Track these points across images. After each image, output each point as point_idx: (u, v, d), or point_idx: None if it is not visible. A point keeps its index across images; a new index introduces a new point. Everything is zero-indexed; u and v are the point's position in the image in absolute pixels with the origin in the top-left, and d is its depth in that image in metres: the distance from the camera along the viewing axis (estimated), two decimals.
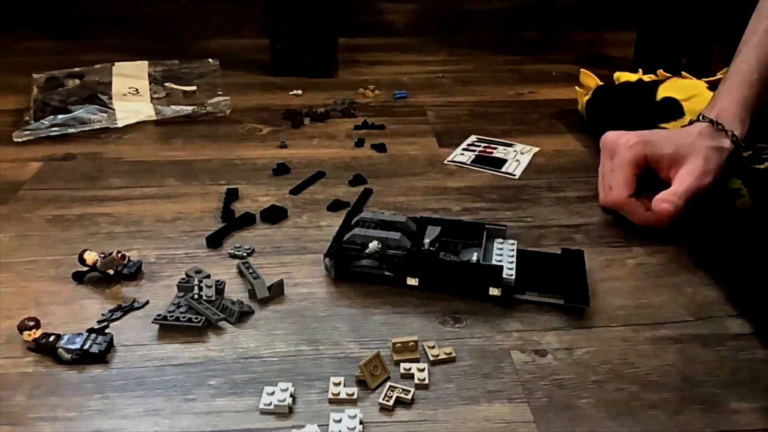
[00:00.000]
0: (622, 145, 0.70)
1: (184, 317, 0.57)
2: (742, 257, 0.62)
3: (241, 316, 0.59)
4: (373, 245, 0.62)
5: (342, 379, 0.52)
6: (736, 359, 0.55)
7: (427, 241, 0.63)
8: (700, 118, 0.71)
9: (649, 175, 0.70)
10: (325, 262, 0.64)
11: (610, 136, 0.72)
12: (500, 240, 0.66)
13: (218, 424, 0.49)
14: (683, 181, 0.67)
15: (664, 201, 0.66)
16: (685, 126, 0.73)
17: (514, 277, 0.60)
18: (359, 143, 0.92)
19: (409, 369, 0.53)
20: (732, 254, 0.64)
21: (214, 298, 0.60)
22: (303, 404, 0.51)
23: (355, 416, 0.48)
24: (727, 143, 0.68)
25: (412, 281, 0.62)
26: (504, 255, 0.63)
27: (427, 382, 0.52)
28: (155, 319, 0.57)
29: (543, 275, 0.62)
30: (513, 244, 0.65)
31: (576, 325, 0.59)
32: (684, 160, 0.68)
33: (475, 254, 0.64)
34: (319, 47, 1.16)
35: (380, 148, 0.90)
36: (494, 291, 0.60)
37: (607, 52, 1.33)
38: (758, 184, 0.68)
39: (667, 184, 0.68)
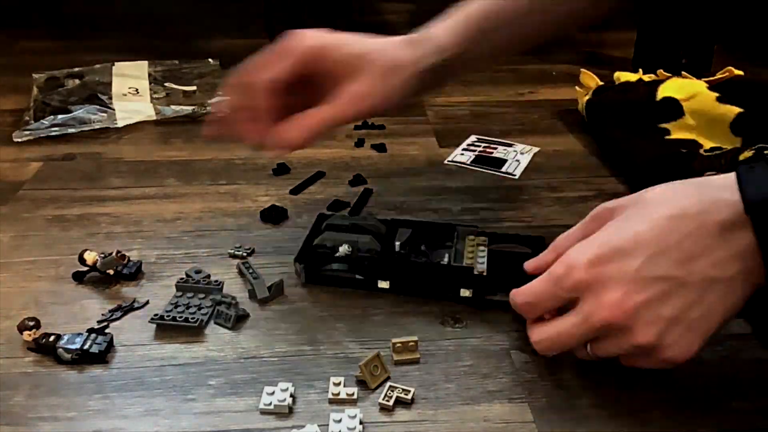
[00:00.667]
0: (299, 34, 0.57)
1: (181, 317, 0.57)
2: None
3: (238, 320, 0.59)
4: (344, 248, 0.62)
5: (342, 379, 0.52)
6: (736, 359, 0.55)
7: (397, 243, 0.63)
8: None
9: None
10: (295, 266, 0.63)
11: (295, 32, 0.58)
12: (472, 238, 0.65)
13: (218, 424, 0.49)
14: (334, 105, 0.56)
15: (294, 129, 0.54)
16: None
17: (485, 273, 0.60)
18: (359, 143, 0.92)
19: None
20: None
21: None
22: (303, 404, 0.51)
23: (355, 416, 0.48)
24: (422, 53, 0.59)
25: (383, 284, 0.61)
26: (475, 256, 0.62)
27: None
28: (152, 318, 0.57)
29: (515, 275, 0.59)
30: (485, 240, 0.64)
31: None
32: (355, 74, 0.56)
33: (447, 256, 0.63)
34: None
35: (380, 148, 0.90)
36: (465, 292, 0.60)
37: (607, 52, 1.33)
38: None
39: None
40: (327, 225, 0.66)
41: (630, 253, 0.45)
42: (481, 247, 0.63)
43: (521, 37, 0.67)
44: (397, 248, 0.63)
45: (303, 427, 0.48)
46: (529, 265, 0.56)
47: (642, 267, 0.45)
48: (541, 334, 0.51)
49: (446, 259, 0.63)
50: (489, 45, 0.65)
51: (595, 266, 0.46)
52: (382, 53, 0.57)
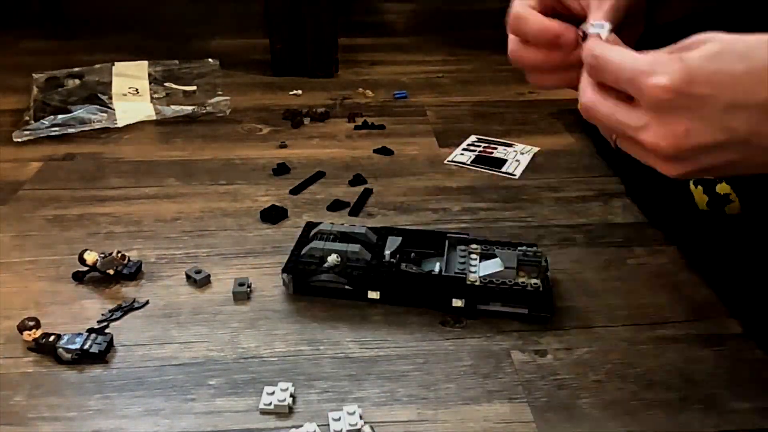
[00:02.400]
0: None
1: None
2: (734, 263, 0.62)
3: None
4: (332, 259, 0.61)
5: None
6: (736, 359, 0.55)
7: (387, 252, 0.62)
8: None
9: None
10: (282, 277, 0.62)
11: None
12: (463, 247, 0.63)
13: (218, 424, 0.49)
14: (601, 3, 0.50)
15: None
16: None
17: (477, 283, 0.58)
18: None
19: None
20: (724, 260, 0.63)
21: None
22: (303, 404, 0.51)
23: (354, 412, 0.48)
24: None
25: (373, 294, 0.60)
26: (467, 264, 0.61)
27: None
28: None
29: (507, 283, 0.59)
30: (477, 249, 0.63)
31: (576, 325, 0.59)
32: None
33: (438, 264, 0.62)
34: (319, 47, 1.16)
35: (385, 151, 0.90)
36: (457, 302, 0.59)
37: None
38: (748, 190, 0.68)
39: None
40: (315, 234, 0.65)
41: (715, 90, 0.42)
42: (473, 256, 0.62)
43: None
44: (386, 257, 0.61)
45: (302, 426, 0.48)
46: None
47: (719, 112, 0.42)
48: (594, 101, 0.46)
49: (437, 269, 0.61)
50: None
51: (680, 88, 0.42)
52: None
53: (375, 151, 0.90)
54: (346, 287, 0.61)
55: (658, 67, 0.42)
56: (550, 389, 0.52)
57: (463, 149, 0.91)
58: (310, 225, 0.67)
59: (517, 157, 0.89)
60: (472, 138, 0.94)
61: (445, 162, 0.88)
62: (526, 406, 0.51)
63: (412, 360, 0.55)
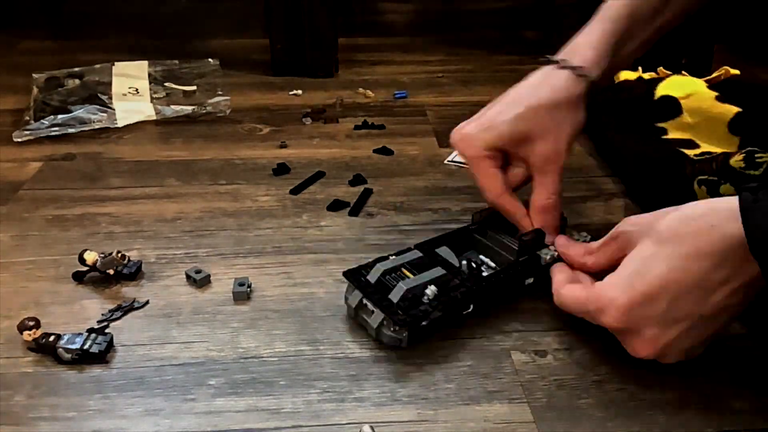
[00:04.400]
0: (464, 142, 0.64)
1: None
2: None
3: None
4: (431, 290, 0.55)
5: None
6: (736, 359, 0.55)
7: (464, 263, 0.59)
8: (548, 58, 0.64)
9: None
10: (391, 335, 0.54)
11: (454, 135, 0.65)
12: (494, 230, 0.64)
13: (218, 424, 0.49)
14: (545, 171, 0.62)
15: (545, 210, 0.63)
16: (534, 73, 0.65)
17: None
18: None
19: None
20: None
21: None
22: (303, 404, 0.51)
23: None
24: (574, 86, 0.62)
25: (467, 310, 0.57)
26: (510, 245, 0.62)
27: None
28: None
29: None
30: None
31: (576, 325, 0.59)
32: (532, 136, 0.62)
33: (480, 256, 0.63)
34: (319, 47, 1.16)
35: (385, 151, 0.90)
36: (529, 280, 0.60)
37: None
38: None
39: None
40: (378, 278, 0.57)
41: (655, 297, 0.49)
42: (507, 237, 0.63)
43: (659, 31, 0.69)
44: (464, 269, 0.59)
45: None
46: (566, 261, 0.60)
47: (667, 310, 0.49)
48: (574, 308, 0.55)
49: (485, 259, 0.63)
50: (630, 50, 0.68)
51: (626, 314, 0.50)
52: (545, 114, 0.62)
53: (375, 151, 0.90)
54: (464, 312, 0.57)
55: (602, 305, 0.51)
56: (550, 389, 0.52)
57: None
58: (357, 271, 0.59)
59: None
60: None
61: (445, 162, 0.88)
62: (526, 407, 0.51)
63: (412, 360, 0.55)
